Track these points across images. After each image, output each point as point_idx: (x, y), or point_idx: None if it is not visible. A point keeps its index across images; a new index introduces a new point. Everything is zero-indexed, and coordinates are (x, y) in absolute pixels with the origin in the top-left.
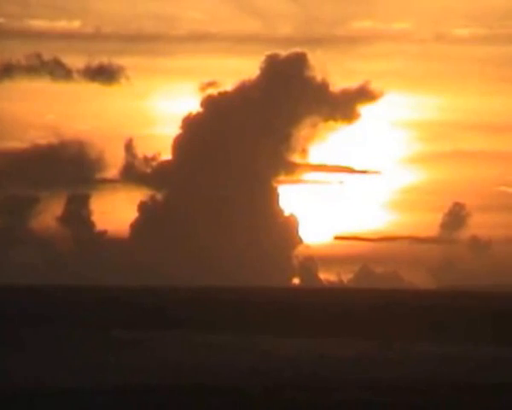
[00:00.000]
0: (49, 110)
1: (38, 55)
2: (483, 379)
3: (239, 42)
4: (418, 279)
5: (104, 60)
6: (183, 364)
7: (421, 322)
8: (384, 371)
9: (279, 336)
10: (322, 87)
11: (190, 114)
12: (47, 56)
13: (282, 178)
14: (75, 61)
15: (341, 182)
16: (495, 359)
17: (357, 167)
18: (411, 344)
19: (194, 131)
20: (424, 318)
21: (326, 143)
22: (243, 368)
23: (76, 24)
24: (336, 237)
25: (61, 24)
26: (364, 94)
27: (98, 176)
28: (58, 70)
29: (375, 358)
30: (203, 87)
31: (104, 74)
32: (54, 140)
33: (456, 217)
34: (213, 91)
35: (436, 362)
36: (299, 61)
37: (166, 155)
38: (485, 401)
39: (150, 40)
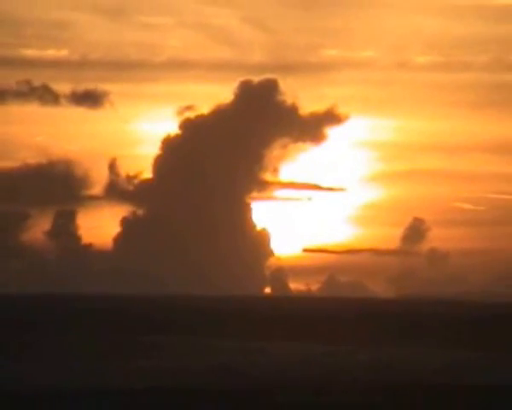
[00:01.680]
0: (38, 132)
1: (28, 82)
2: (426, 381)
3: (214, 69)
4: (379, 288)
5: (90, 86)
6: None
7: (380, 327)
8: (331, 374)
9: (250, 339)
10: (292, 111)
11: (169, 135)
12: (36, 83)
13: (254, 194)
14: (63, 87)
15: (309, 198)
16: (441, 360)
17: (323, 185)
18: (365, 348)
19: (173, 152)
20: (382, 323)
21: (295, 163)
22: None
23: (64, 52)
24: (305, 250)
25: (50, 52)
26: (331, 117)
27: (84, 193)
28: (47, 95)
29: (326, 361)
30: (181, 111)
31: (90, 99)
32: (43, 160)
33: (415, 231)
34: (191, 115)
35: (383, 364)
36: (270, 86)
37: (147, 174)
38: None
39: (132, 67)
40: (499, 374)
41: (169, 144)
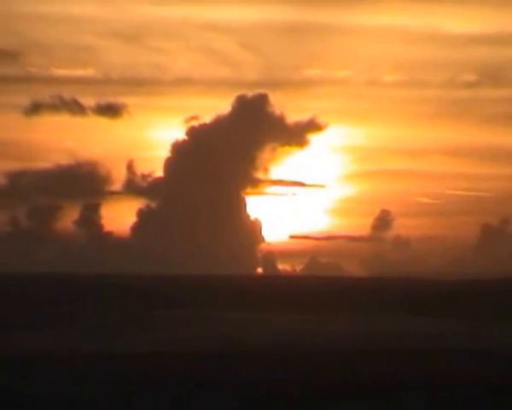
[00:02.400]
0: (68, 138)
1: (60, 96)
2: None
3: (215, 85)
4: (353, 269)
5: (111, 99)
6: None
7: (353, 301)
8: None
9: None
10: (280, 120)
11: (177, 140)
12: (67, 97)
13: (248, 190)
14: (88, 101)
15: (294, 194)
16: (404, 327)
17: (306, 182)
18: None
19: (181, 155)
20: (355, 298)
21: (283, 164)
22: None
23: (89, 71)
24: (291, 236)
25: (78, 72)
26: (313, 126)
27: (106, 189)
28: (75, 107)
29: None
30: (187, 120)
31: (111, 111)
32: (72, 161)
33: (382, 221)
34: (195, 123)
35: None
36: (262, 100)
37: (159, 173)
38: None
39: (146, 84)
40: (454, 338)
41: (177, 148)
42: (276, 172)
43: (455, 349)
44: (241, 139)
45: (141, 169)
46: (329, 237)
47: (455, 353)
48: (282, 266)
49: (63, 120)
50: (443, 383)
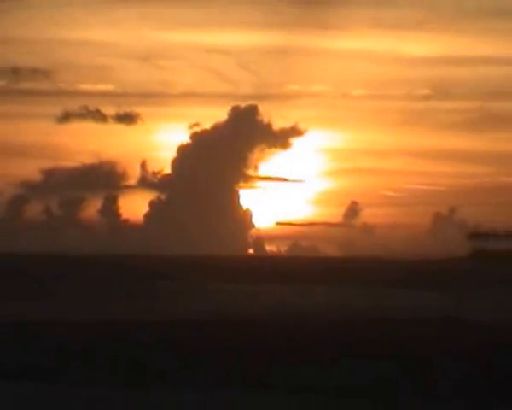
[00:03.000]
0: (91, 142)
1: (86, 107)
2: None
3: (214, 97)
4: (329, 250)
5: (127, 109)
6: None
7: (329, 276)
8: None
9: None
10: (267, 127)
11: (182, 143)
12: (91, 107)
13: (241, 185)
14: (109, 111)
15: (280, 187)
16: (372, 298)
17: (289, 178)
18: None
19: (185, 155)
20: (331, 274)
21: (270, 163)
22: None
23: (110, 86)
24: (277, 223)
25: (100, 86)
26: (294, 131)
27: (123, 183)
28: (98, 116)
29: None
30: (191, 126)
31: (127, 119)
32: (95, 161)
33: (353, 210)
34: (197, 129)
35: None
36: (252, 110)
37: (167, 170)
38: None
39: (157, 96)
40: (421, 306)
41: (182, 150)
42: (264, 169)
43: (424, 317)
44: (235, 142)
45: (152, 167)
46: (309, 224)
47: (425, 320)
48: (270, 248)
49: (88, 126)
50: (415, 349)
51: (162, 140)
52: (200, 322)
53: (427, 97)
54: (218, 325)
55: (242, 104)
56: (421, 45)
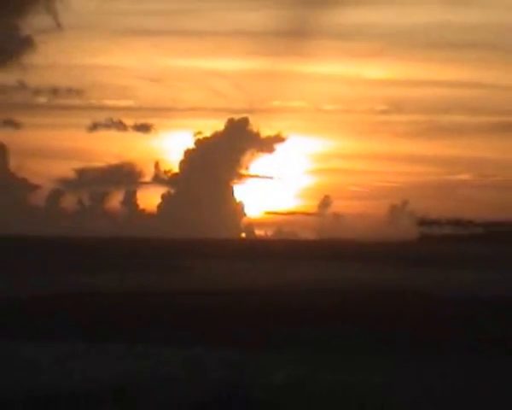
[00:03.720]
0: (115, 147)
1: (110, 119)
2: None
3: (213, 111)
4: (306, 235)
5: (144, 121)
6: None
7: (307, 255)
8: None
9: (234, 262)
10: (256, 135)
11: (188, 148)
12: (115, 119)
13: (235, 181)
14: (129, 122)
15: (266, 184)
16: (344, 272)
17: (275, 176)
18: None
19: (190, 158)
20: (309, 254)
21: (258, 164)
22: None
23: (130, 102)
24: (265, 213)
25: (122, 102)
26: (278, 138)
27: (140, 180)
28: (120, 126)
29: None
30: (195, 134)
31: (144, 128)
32: (118, 162)
33: (325, 203)
34: (200, 137)
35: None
36: (244, 121)
37: (176, 170)
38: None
39: (167, 111)
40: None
41: (188, 154)
42: (253, 169)
43: (385, 289)
44: (230, 147)
45: (163, 167)
46: (290, 213)
47: (386, 291)
48: (258, 233)
49: (112, 134)
50: (386, 316)
51: (171, 145)
52: (208, 290)
53: (384, 112)
54: (221, 293)
55: (236, 117)
56: (379, 70)
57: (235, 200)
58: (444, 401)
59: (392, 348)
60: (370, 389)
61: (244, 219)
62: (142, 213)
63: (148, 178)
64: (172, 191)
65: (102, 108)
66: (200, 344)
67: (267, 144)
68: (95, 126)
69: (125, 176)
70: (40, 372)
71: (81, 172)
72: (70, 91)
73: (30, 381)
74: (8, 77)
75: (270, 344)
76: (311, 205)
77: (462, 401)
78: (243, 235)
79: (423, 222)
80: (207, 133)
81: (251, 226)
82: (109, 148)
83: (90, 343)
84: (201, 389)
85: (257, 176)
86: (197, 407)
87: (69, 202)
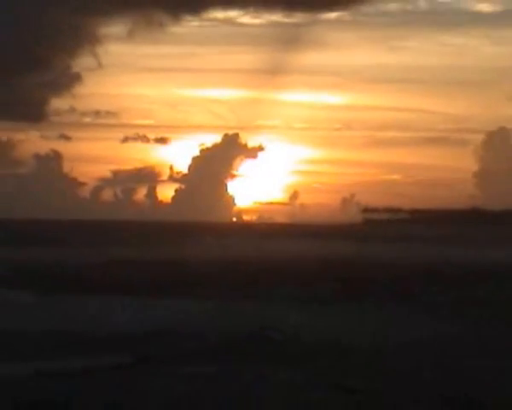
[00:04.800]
0: (140, 154)
1: (137, 133)
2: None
3: (212, 129)
4: (281, 219)
5: (162, 135)
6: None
7: (284, 237)
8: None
9: (227, 239)
10: (244, 146)
11: (194, 155)
12: (140, 134)
13: (228, 179)
14: (151, 135)
15: (252, 182)
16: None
17: (258, 176)
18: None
19: (196, 162)
20: (282, 233)
21: (246, 166)
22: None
23: (151, 121)
24: (254, 203)
25: (145, 121)
26: (260, 148)
27: (159, 179)
28: (145, 139)
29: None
30: (199, 145)
31: (162, 141)
32: (142, 165)
33: (295, 195)
34: (203, 147)
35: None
36: (236, 136)
37: (185, 171)
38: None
39: (178, 128)
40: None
41: (194, 159)
42: (242, 170)
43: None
44: (225, 155)
45: (176, 169)
46: (269, 203)
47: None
48: (246, 218)
49: (138, 145)
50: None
51: (182, 153)
52: (214, 260)
53: (339, 129)
54: (223, 262)
55: (230, 132)
56: (336, 98)
57: (228, 193)
58: (383, 325)
59: (352, 299)
60: (344, 322)
61: (235, 208)
62: (161, 203)
63: (164, 177)
64: (183, 187)
65: (131, 125)
66: (217, 298)
67: (252, 152)
68: (125, 139)
69: (147, 176)
70: (102, 318)
71: (115, 173)
72: (108, 113)
73: (101, 323)
74: (63, 103)
75: (271, 298)
76: (284, 197)
77: (392, 327)
78: (234, 219)
79: (366, 210)
80: (209, 144)
81: (240, 213)
82: (136, 155)
83: (137, 297)
84: (232, 331)
85: (244, 176)
86: (231, 343)
87: (107, 195)
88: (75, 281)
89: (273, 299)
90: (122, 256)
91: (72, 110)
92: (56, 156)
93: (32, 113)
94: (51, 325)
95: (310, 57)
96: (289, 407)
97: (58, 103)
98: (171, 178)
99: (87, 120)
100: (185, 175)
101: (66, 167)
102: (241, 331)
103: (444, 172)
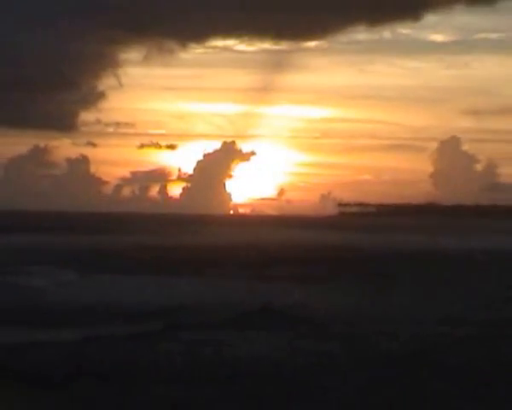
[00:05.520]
0: (154, 158)
1: (151, 140)
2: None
3: (214, 137)
4: (271, 212)
5: (172, 142)
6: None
7: (267, 222)
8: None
9: (225, 228)
10: (239, 151)
11: (199, 159)
12: (153, 141)
13: (226, 179)
14: (162, 143)
15: (245, 181)
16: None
17: (251, 176)
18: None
19: (200, 165)
20: (269, 222)
21: (240, 168)
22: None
23: (162, 131)
24: (248, 199)
25: (158, 131)
26: (252, 153)
27: (170, 178)
28: (157, 145)
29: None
30: (203, 151)
31: (172, 147)
32: (156, 167)
33: (282, 192)
34: (206, 152)
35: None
36: (233, 143)
37: (191, 172)
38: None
39: (186, 136)
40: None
41: (199, 162)
42: (237, 171)
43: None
44: (224, 159)
45: (184, 171)
46: (261, 199)
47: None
48: (241, 211)
49: (152, 150)
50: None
51: (188, 158)
52: (218, 246)
53: (318, 138)
54: (225, 247)
55: (228, 140)
56: (316, 112)
57: (226, 191)
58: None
59: (334, 276)
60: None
61: (232, 203)
62: (170, 199)
63: (173, 177)
64: (189, 185)
65: (146, 134)
66: (225, 278)
67: (246, 157)
68: (141, 146)
69: (159, 176)
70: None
71: (133, 174)
72: (126, 124)
73: (133, 297)
74: (90, 116)
75: (270, 277)
76: (272, 194)
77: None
78: (231, 212)
79: (341, 204)
80: (210, 150)
81: (236, 207)
82: (150, 159)
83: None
84: (242, 306)
85: (239, 176)
86: (244, 316)
87: (126, 191)
88: (109, 263)
89: (273, 278)
90: (142, 242)
91: (98, 122)
92: (84, 160)
93: (65, 124)
94: (93, 298)
95: (293, 78)
96: (288, 360)
97: (86, 116)
98: (179, 178)
99: (110, 129)
100: (191, 176)
101: (93, 169)
102: (250, 305)
103: (404, 174)
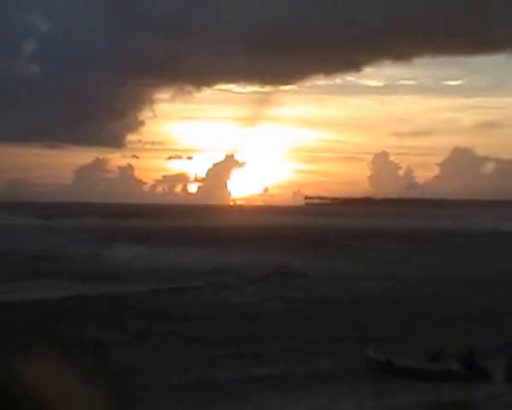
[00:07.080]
0: (176, 167)
1: (175, 154)
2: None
3: (219, 151)
4: (259, 204)
5: (188, 155)
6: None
7: (257, 214)
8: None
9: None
10: (237, 161)
11: (208, 168)
12: (177, 154)
13: (228, 180)
14: (183, 155)
15: (241, 182)
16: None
17: (245, 179)
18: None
19: (209, 172)
20: (258, 214)
21: (238, 173)
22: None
23: (183, 146)
24: (243, 194)
25: (179, 147)
26: (245, 162)
27: (188, 180)
28: (178, 158)
29: None
30: (212, 161)
31: (189, 158)
32: (177, 173)
33: (266, 190)
34: (214, 162)
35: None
36: (232, 156)
37: (203, 177)
38: None
39: (199, 150)
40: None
41: (209, 170)
42: (235, 176)
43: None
44: (226, 167)
45: (197, 177)
46: (251, 195)
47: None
48: (239, 203)
49: (176, 161)
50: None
51: (201, 167)
52: (229, 227)
53: (292, 151)
54: (233, 228)
55: (229, 153)
56: (290, 134)
57: (227, 189)
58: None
59: (312, 248)
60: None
61: (231, 197)
62: (190, 195)
63: (191, 179)
64: (202, 185)
65: (172, 149)
66: (243, 249)
67: (241, 165)
68: (169, 157)
69: (181, 178)
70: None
71: (164, 177)
72: (159, 142)
73: (183, 263)
74: (133, 137)
75: (275, 248)
76: (259, 191)
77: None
78: (231, 203)
79: (307, 198)
80: (217, 161)
81: (235, 200)
82: (175, 166)
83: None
84: (261, 269)
85: (237, 179)
86: (260, 279)
87: (159, 189)
88: (163, 239)
89: (276, 249)
90: (178, 225)
91: (139, 141)
92: (130, 167)
93: (116, 142)
94: (157, 264)
95: (274, 110)
96: (292, 312)
97: (131, 137)
98: (195, 180)
99: (147, 146)
100: (203, 178)
101: (136, 174)
102: (267, 269)
103: (350, 176)
